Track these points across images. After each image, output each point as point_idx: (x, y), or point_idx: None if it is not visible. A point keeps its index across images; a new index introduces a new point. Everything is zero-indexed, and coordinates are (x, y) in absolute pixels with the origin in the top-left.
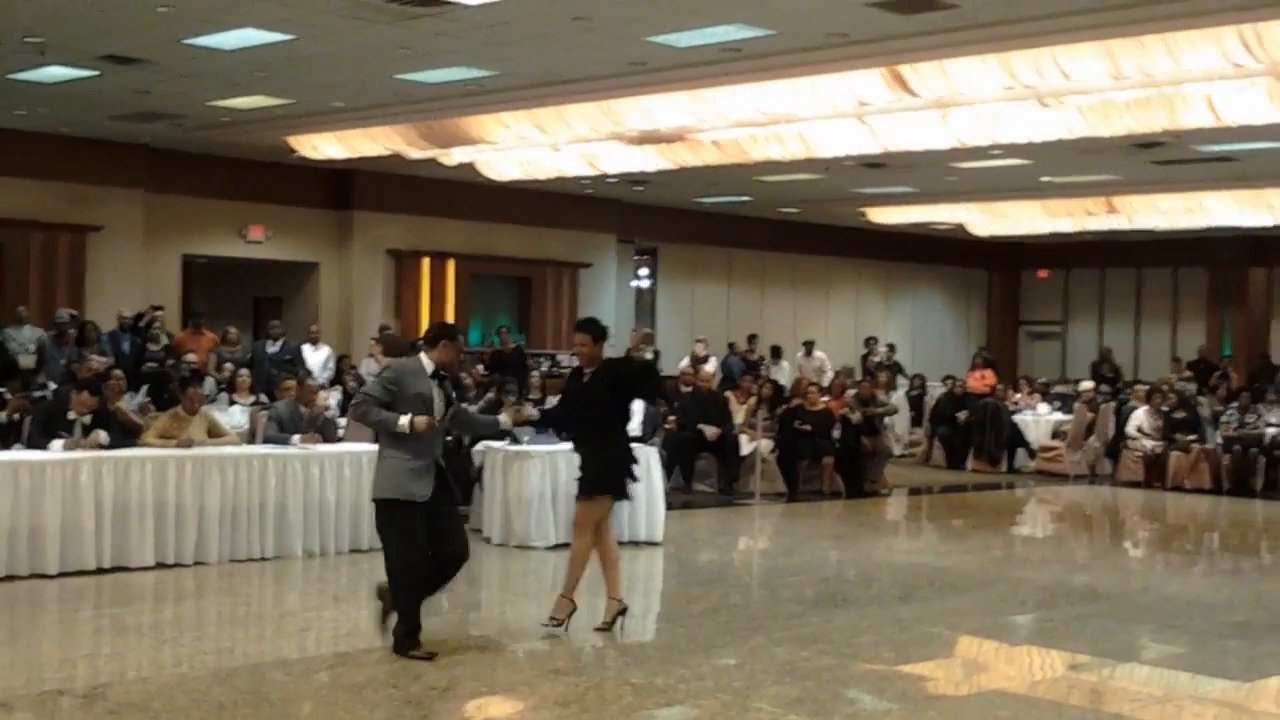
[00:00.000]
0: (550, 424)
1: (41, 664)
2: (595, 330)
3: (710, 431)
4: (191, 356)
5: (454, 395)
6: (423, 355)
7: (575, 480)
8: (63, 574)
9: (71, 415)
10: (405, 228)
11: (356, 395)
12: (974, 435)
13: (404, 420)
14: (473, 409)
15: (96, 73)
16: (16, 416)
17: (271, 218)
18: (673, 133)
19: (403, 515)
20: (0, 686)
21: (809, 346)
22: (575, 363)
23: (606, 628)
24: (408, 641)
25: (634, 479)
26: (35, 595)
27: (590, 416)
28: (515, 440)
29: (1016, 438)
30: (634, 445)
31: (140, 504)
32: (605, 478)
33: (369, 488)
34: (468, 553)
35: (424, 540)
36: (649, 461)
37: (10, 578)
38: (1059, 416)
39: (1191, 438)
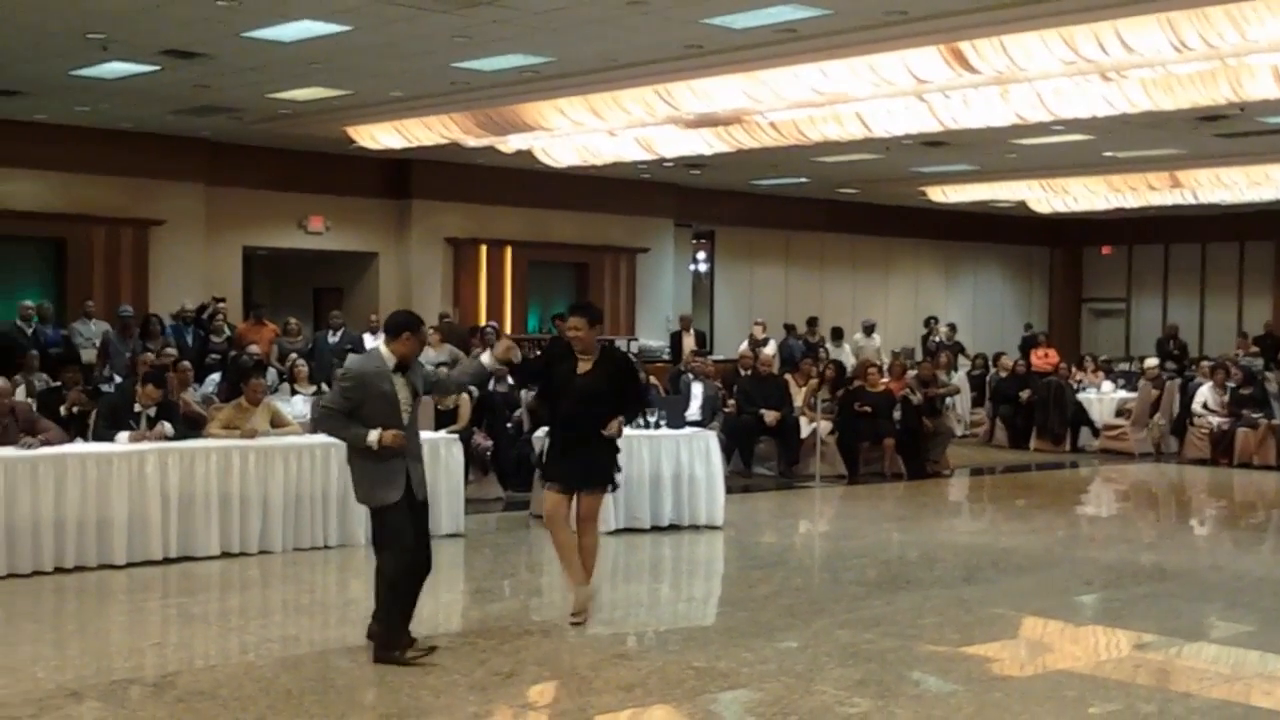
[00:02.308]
0: (523, 375)
1: (110, 653)
2: (591, 314)
3: (770, 415)
4: (254, 348)
5: (420, 382)
6: (382, 348)
7: (576, 473)
8: (130, 564)
9: (137, 408)
10: (463, 216)
11: (315, 408)
12: (1037, 414)
13: (372, 437)
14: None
15: (157, 68)
16: (76, 410)
17: (330, 208)
18: (729, 115)
19: (393, 514)
20: (71, 676)
21: (869, 328)
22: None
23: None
24: (390, 643)
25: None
26: (104, 586)
27: (595, 408)
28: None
29: (1080, 416)
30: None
31: (205, 494)
32: (616, 469)
33: (429, 475)
34: (429, 565)
35: (412, 540)
36: (709, 445)
37: (79, 568)
38: (1123, 394)
39: (1258, 414)
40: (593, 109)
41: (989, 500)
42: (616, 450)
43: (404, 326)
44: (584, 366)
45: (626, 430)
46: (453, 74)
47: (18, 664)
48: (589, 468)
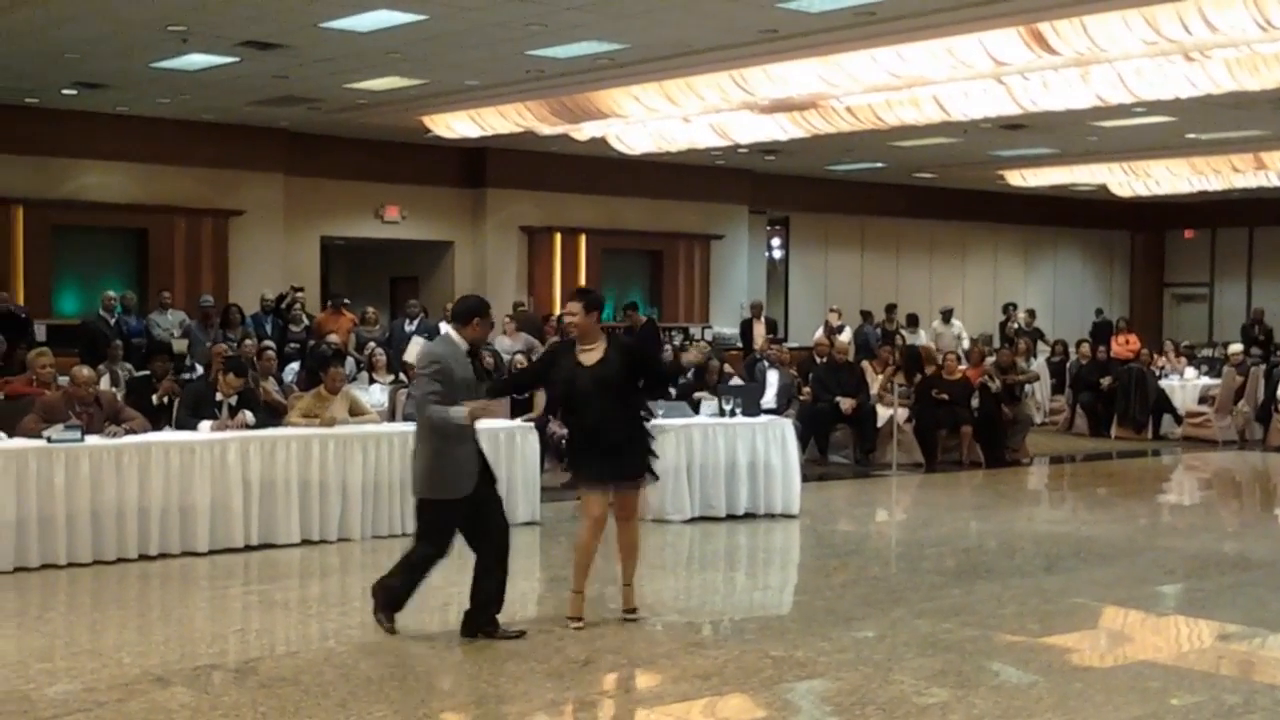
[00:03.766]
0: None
1: (194, 639)
2: (589, 300)
3: (846, 403)
4: (333, 337)
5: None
6: (453, 334)
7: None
8: (212, 551)
9: (219, 396)
10: (537, 204)
11: (414, 396)
12: (1118, 402)
13: (462, 412)
14: None
15: (236, 59)
16: (167, 399)
17: (407, 198)
18: (805, 100)
19: (451, 513)
20: (156, 661)
21: (946, 315)
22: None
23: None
24: (390, 604)
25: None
26: (187, 573)
27: (611, 399)
28: None
29: (1162, 403)
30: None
31: (286, 482)
32: (653, 457)
33: (505, 464)
34: (508, 540)
35: (451, 542)
36: (784, 433)
37: (163, 555)
38: (1206, 381)
39: None
40: (667, 95)
41: (1069, 489)
42: (649, 439)
43: (474, 311)
44: (591, 357)
45: (700, 419)
46: (527, 62)
47: (104, 649)
48: (620, 462)
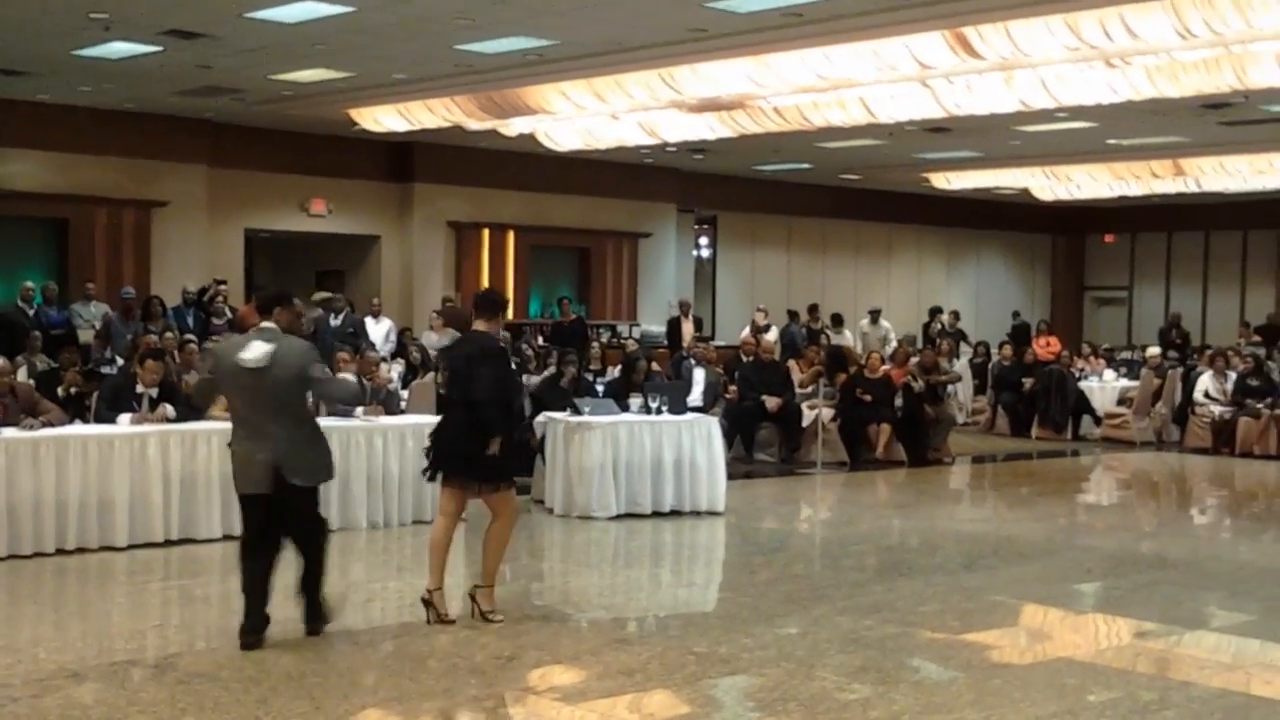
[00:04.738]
0: None
1: (112, 635)
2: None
3: (771, 402)
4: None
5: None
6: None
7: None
8: (131, 546)
9: (139, 389)
10: (465, 199)
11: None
12: (1039, 403)
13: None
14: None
15: (160, 48)
16: (73, 391)
17: (333, 191)
18: (733, 99)
19: (319, 496)
20: (72, 657)
21: (875, 315)
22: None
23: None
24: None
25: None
26: (105, 567)
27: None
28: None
29: (1082, 405)
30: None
31: (207, 477)
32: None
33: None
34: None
35: None
36: (710, 431)
37: (80, 550)
38: (1125, 383)
39: (1262, 403)
40: (595, 92)
41: (990, 488)
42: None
43: (275, 301)
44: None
45: (626, 416)
46: (455, 56)
47: (19, 645)
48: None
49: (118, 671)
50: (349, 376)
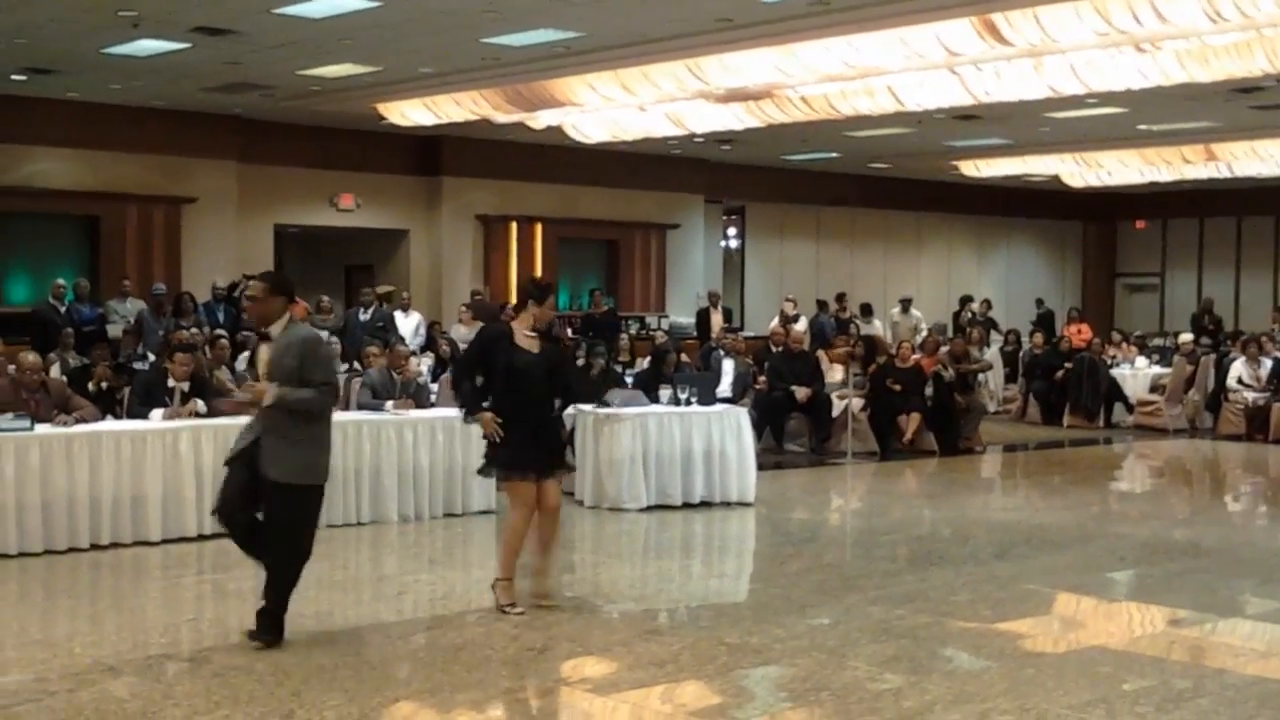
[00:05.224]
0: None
1: (147, 629)
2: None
3: (801, 392)
4: None
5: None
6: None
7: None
8: (165, 541)
9: (170, 384)
10: (493, 193)
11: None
12: (1070, 391)
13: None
14: None
15: (188, 45)
16: (104, 386)
17: (361, 186)
18: (760, 89)
19: (316, 501)
20: (108, 651)
21: (905, 304)
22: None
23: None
24: (276, 625)
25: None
26: (139, 562)
27: (542, 388)
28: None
29: (1114, 392)
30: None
31: None
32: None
33: (460, 452)
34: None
35: None
36: (740, 422)
37: (115, 545)
38: (1157, 370)
39: None
40: (623, 84)
41: (1022, 476)
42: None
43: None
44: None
45: (655, 408)
46: (483, 49)
47: (55, 639)
48: (551, 450)
49: (152, 665)
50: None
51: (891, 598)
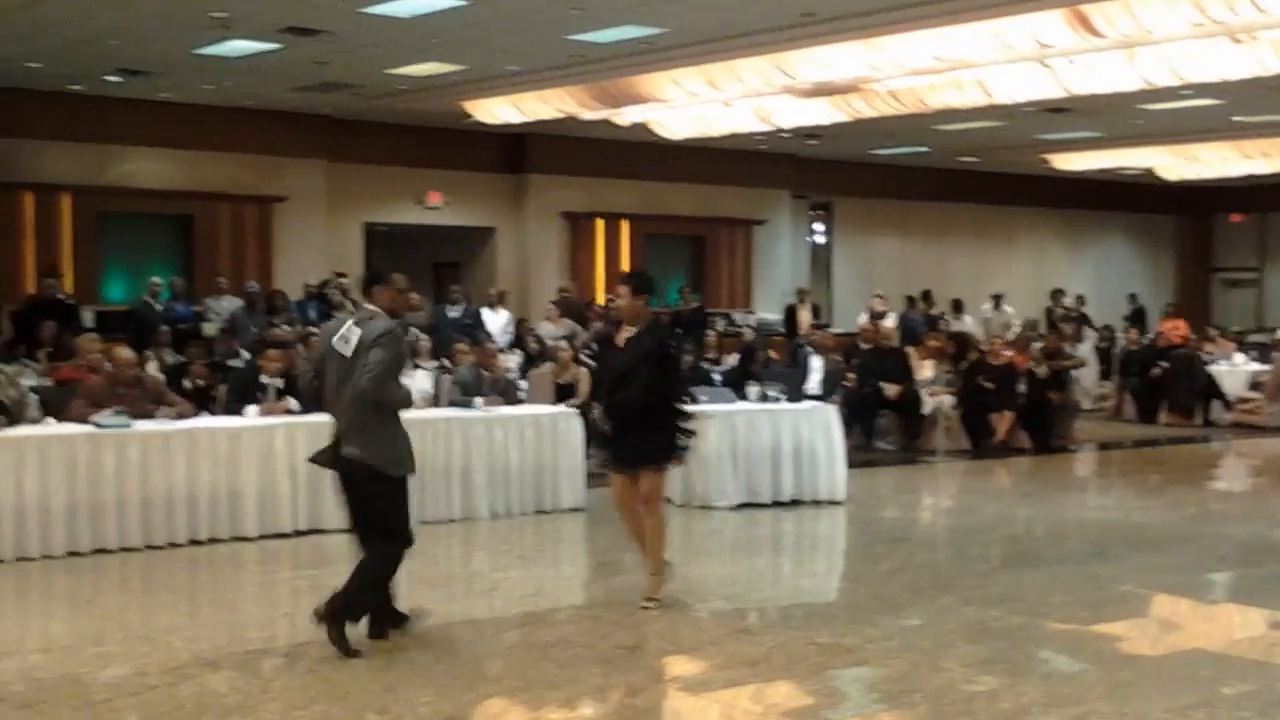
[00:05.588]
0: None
1: (244, 623)
2: (635, 282)
3: (891, 389)
4: None
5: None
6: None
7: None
8: (261, 536)
9: (264, 380)
10: (579, 190)
11: (373, 378)
12: (1167, 388)
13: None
14: None
15: (279, 45)
16: (201, 383)
17: (449, 184)
18: (847, 84)
19: (402, 492)
20: (206, 645)
21: (997, 300)
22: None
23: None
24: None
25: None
26: (236, 557)
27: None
28: None
29: (1211, 389)
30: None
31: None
32: (677, 445)
33: (549, 449)
34: None
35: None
36: (829, 419)
37: (213, 540)
38: (1256, 366)
39: None
40: (708, 80)
41: (1118, 475)
42: (675, 424)
43: (372, 280)
44: (625, 340)
45: (743, 405)
46: (568, 47)
47: (155, 634)
48: (638, 445)
49: (250, 660)
50: (408, 383)
51: (986, 598)
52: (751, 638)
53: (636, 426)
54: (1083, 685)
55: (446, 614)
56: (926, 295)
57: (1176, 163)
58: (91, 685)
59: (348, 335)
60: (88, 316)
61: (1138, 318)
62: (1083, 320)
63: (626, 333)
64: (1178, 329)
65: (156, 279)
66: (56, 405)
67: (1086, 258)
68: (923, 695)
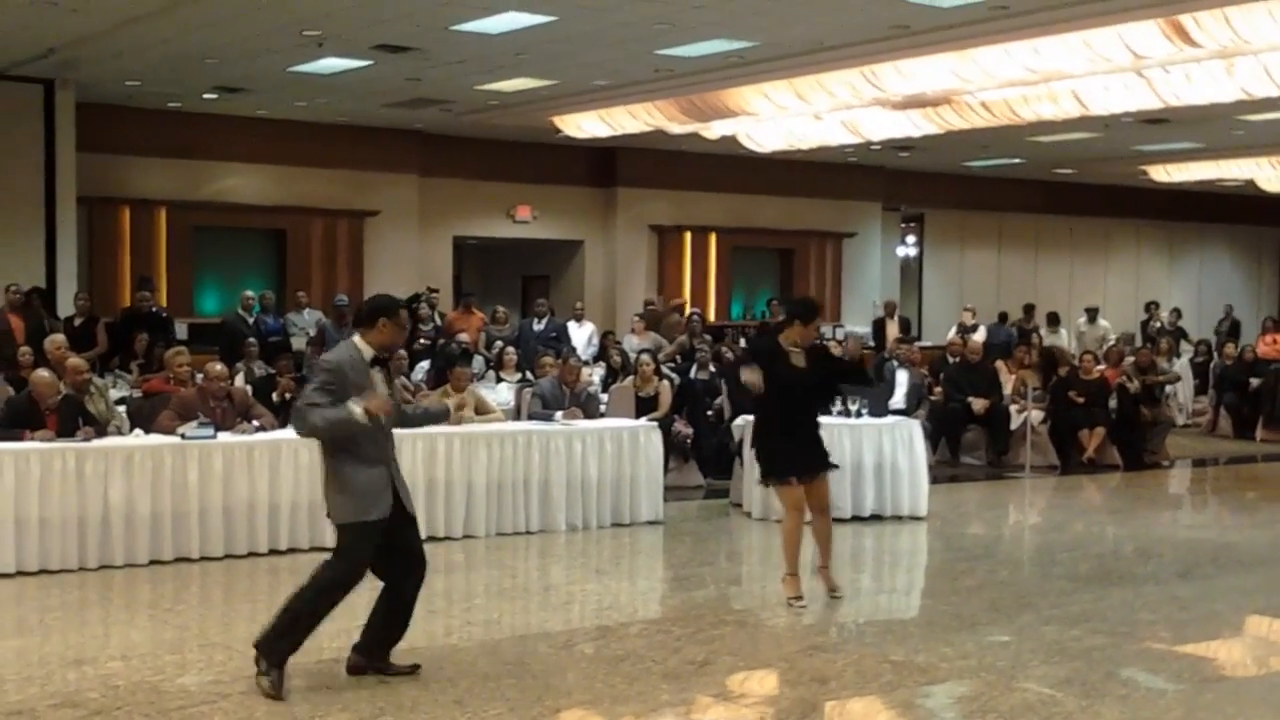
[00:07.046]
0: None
1: (319, 634)
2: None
3: (978, 403)
4: (463, 336)
5: (394, 385)
6: (357, 339)
7: (819, 459)
8: None
9: None
10: (667, 203)
11: (294, 408)
12: (1264, 403)
13: (356, 409)
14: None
15: (370, 62)
16: (288, 396)
17: (538, 197)
18: (938, 96)
19: (360, 532)
20: None
21: (1092, 313)
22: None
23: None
24: (278, 650)
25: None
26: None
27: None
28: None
29: None
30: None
31: (411, 479)
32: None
33: (628, 463)
34: (424, 574)
35: (367, 564)
36: (912, 434)
37: (293, 550)
38: None
39: None
40: (797, 93)
41: (1211, 492)
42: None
43: (380, 312)
44: (797, 357)
45: (825, 420)
46: (656, 61)
47: (233, 642)
48: (818, 453)
49: (324, 669)
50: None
51: (1067, 617)
52: (825, 654)
53: (813, 436)
54: (1162, 707)
55: (521, 626)
56: (1029, 309)
57: (1279, 174)
58: (167, 692)
59: None
60: (181, 329)
61: (1233, 331)
62: (1179, 334)
63: (796, 351)
64: (1277, 343)
65: (249, 292)
66: (144, 417)
67: (1185, 270)
68: (997, 715)
